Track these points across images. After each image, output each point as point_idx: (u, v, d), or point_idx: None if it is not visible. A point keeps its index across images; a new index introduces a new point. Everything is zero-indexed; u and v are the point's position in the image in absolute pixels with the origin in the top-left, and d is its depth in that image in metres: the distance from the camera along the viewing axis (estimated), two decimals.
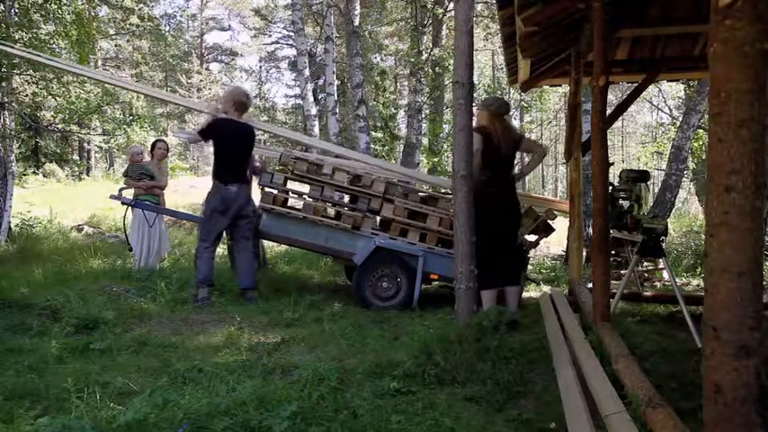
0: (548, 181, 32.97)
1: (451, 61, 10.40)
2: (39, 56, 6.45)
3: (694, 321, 3.60)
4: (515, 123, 20.96)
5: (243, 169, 5.16)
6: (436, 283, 5.30)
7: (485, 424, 2.45)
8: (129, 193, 6.32)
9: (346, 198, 5.38)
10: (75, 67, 7.37)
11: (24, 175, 16.91)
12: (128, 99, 18.88)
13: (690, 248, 8.31)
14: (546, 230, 5.36)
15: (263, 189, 5.32)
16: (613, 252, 6.22)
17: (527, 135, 21.73)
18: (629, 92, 6.03)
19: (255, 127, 5.62)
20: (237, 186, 5.04)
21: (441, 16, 13.60)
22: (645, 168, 9.13)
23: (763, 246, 1.62)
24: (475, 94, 5.30)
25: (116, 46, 23.60)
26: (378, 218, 5.30)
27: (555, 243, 9.51)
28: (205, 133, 5.10)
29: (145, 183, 6.34)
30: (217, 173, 5.08)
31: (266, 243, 6.83)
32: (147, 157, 6.80)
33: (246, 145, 5.21)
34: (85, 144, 22.54)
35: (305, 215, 5.09)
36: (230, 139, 5.07)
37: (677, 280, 5.56)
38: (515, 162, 5.03)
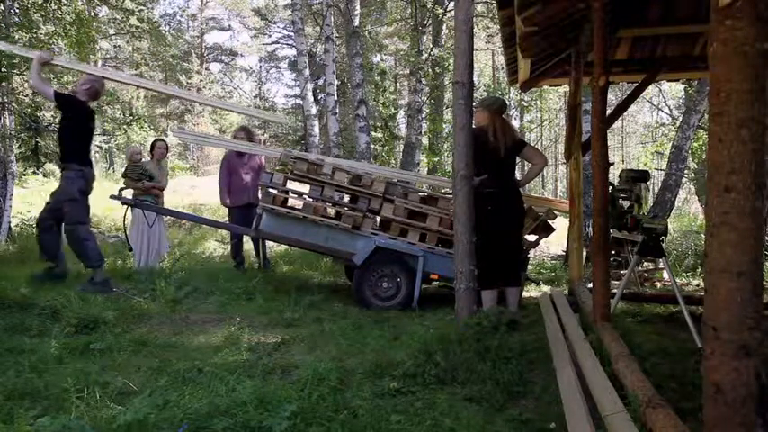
0: (548, 181, 32.94)
1: (451, 61, 10.40)
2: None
3: (694, 321, 3.60)
4: (515, 123, 20.97)
5: None
6: (436, 283, 5.30)
7: (485, 424, 2.45)
8: (128, 193, 6.32)
9: (346, 198, 5.38)
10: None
11: (24, 175, 16.89)
12: (128, 99, 18.88)
13: (690, 248, 8.31)
14: (546, 230, 5.36)
15: (262, 189, 5.33)
16: (613, 252, 6.22)
17: (527, 138, 21.72)
18: (629, 92, 6.03)
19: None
20: (91, 168, 5.11)
21: (441, 16, 13.61)
22: (645, 168, 9.14)
23: (762, 246, 1.62)
24: (475, 94, 5.29)
25: (115, 47, 23.60)
26: (378, 218, 5.30)
27: (555, 243, 9.51)
28: (65, 101, 5.02)
29: (144, 184, 6.33)
30: (76, 155, 5.00)
31: (267, 243, 6.84)
32: (146, 157, 6.80)
33: (93, 131, 5.32)
34: None
35: (305, 215, 5.09)
36: (90, 121, 5.15)
37: (677, 280, 5.56)
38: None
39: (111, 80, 7.85)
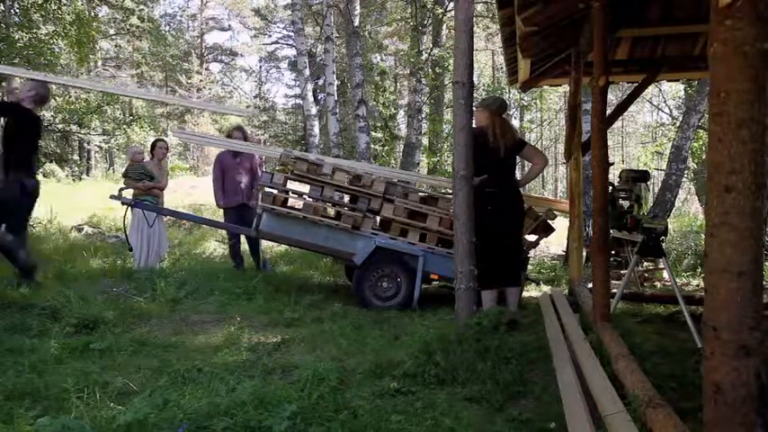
0: (548, 181, 32.96)
1: (451, 61, 10.40)
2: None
3: (694, 321, 3.60)
4: (515, 123, 20.98)
5: None
6: (436, 283, 5.30)
7: (485, 424, 2.45)
8: (128, 194, 6.31)
9: (346, 198, 5.37)
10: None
11: None
12: (127, 99, 18.85)
13: (690, 248, 8.31)
14: (546, 230, 5.36)
15: (262, 189, 5.32)
16: (613, 252, 6.22)
17: (527, 138, 21.71)
18: (629, 92, 6.03)
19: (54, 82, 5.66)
20: (36, 179, 5.05)
21: (441, 16, 13.61)
22: (645, 168, 9.14)
23: (763, 246, 1.62)
24: (475, 94, 5.30)
25: (116, 46, 23.60)
26: (378, 218, 5.30)
27: (555, 243, 9.51)
28: (8, 110, 4.95)
29: (144, 184, 6.33)
30: (20, 165, 4.88)
31: (266, 243, 6.84)
32: (147, 157, 6.80)
33: (39, 138, 5.25)
34: (85, 144, 22.52)
35: (305, 215, 5.08)
36: (35, 131, 5.07)
37: (677, 280, 5.55)
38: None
39: (58, 83, 7.84)
